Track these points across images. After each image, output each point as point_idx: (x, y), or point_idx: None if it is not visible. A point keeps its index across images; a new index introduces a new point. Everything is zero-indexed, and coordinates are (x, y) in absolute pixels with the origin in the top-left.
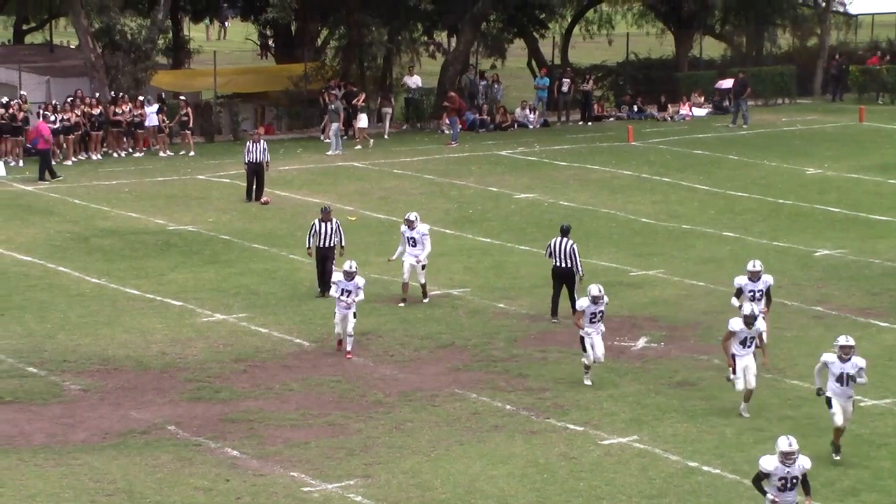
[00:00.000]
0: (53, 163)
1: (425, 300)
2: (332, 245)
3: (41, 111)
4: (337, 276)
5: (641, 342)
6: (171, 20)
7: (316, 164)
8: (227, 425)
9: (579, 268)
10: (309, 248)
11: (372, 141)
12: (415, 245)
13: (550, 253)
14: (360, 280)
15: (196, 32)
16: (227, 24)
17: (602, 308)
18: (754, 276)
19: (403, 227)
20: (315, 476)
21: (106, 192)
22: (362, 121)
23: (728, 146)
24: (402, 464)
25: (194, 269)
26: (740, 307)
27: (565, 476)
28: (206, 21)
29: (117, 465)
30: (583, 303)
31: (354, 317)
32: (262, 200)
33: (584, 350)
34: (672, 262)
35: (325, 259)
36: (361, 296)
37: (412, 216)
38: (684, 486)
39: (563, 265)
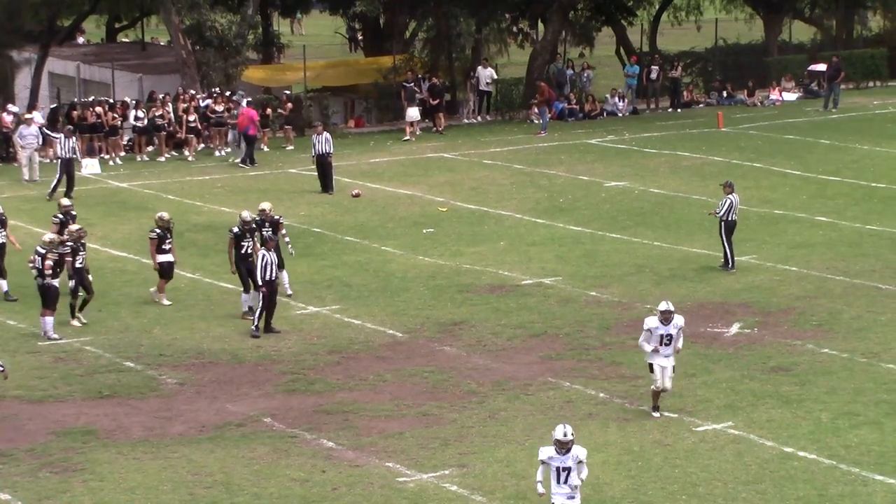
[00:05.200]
0: (145, 159)
1: (655, 415)
2: (273, 278)
3: (243, 99)
4: (546, 451)
5: (735, 328)
6: (261, 15)
7: (406, 156)
8: (322, 417)
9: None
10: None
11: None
12: (669, 343)
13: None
14: (580, 451)
15: (285, 27)
16: (300, 18)
17: None
18: None
19: (654, 322)
20: (410, 466)
21: (199, 187)
22: (411, 114)
23: (819, 130)
24: (496, 453)
25: (287, 263)
26: None
27: (660, 463)
28: (298, 14)
29: (214, 457)
30: None
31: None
32: (354, 193)
33: None
34: (764, 248)
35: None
36: (585, 471)
37: (669, 306)
38: (780, 471)
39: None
